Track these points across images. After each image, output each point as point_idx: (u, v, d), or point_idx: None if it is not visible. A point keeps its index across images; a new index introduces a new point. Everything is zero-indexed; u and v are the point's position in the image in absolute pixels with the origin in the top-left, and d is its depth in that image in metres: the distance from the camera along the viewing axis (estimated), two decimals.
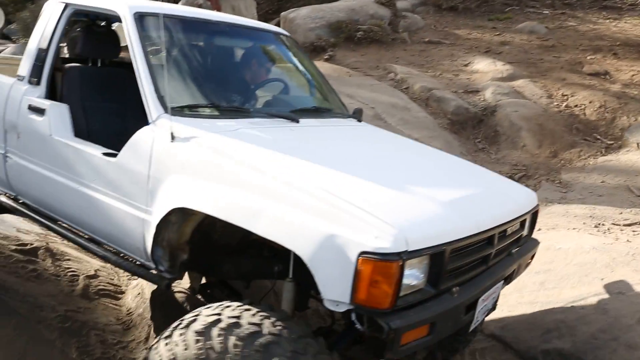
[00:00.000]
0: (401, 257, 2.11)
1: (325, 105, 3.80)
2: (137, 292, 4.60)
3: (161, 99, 2.94)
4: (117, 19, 3.39)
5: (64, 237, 3.47)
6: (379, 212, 2.24)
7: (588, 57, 8.32)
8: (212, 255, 3.04)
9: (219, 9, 6.90)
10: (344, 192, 2.37)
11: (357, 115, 3.85)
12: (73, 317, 4.20)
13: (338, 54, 8.79)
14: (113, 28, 4.31)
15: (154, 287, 4.39)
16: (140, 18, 3.19)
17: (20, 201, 3.70)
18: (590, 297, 3.35)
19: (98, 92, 3.65)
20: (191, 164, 2.72)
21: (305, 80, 4.00)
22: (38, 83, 3.50)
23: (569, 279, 3.79)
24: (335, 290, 2.21)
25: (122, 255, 3.16)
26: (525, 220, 2.91)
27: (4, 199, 3.78)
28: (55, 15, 3.52)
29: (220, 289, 3.42)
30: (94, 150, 3.12)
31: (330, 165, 2.76)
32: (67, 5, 3.51)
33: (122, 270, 4.96)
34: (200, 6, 10.57)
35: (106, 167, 3.03)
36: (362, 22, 9.31)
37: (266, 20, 10.11)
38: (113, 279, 4.88)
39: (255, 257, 3.02)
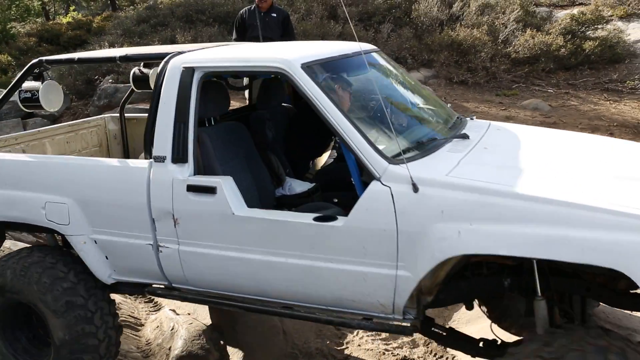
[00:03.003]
0: None
1: (452, 115, 3.73)
2: (156, 325, 5.00)
3: (378, 151, 2.83)
4: (270, 74, 3.44)
5: (268, 313, 3.33)
6: None
7: None
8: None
9: None
10: (628, 200, 2.49)
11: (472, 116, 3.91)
12: None
13: None
14: (149, 73, 4.61)
15: (172, 321, 4.80)
16: (310, 69, 3.04)
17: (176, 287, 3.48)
18: None
19: (224, 151, 3.51)
20: (455, 210, 2.62)
21: (418, 94, 3.88)
22: (185, 160, 3.19)
23: None
24: None
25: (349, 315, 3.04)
26: None
27: (160, 291, 3.57)
28: (185, 82, 3.21)
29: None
30: (304, 218, 2.96)
31: (580, 175, 2.88)
32: (194, 69, 3.22)
33: (140, 305, 5.38)
34: None
35: (329, 233, 2.89)
36: None
37: None
38: (133, 312, 5.29)
39: (476, 277, 3.02)
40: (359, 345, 4.59)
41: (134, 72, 4.79)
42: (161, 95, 3.27)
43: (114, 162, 3.58)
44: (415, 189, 2.68)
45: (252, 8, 7.44)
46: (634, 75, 11.05)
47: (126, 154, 5.25)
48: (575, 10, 13.03)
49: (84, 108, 10.84)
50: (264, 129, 4.02)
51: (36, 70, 3.92)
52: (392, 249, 2.77)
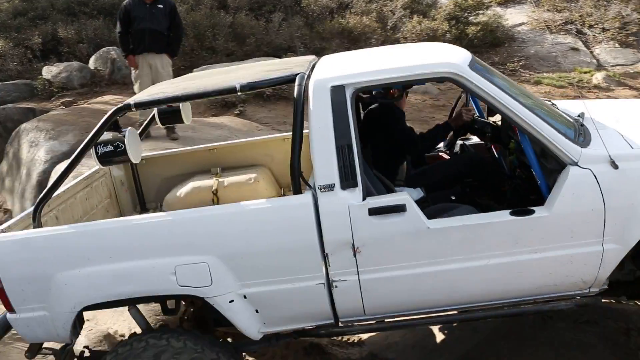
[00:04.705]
0: None
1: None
2: None
3: (570, 138, 3.04)
4: (435, 80, 3.22)
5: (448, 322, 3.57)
6: None
7: None
8: None
9: (136, 67, 7.24)
10: None
11: None
12: None
13: (248, 109, 9.28)
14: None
15: None
16: (474, 69, 3.11)
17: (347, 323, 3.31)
18: None
19: None
20: None
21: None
22: (355, 184, 3.03)
23: None
24: None
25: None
26: None
27: (324, 331, 3.37)
28: (339, 102, 3.03)
29: None
30: (504, 217, 3.02)
31: None
32: (344, 87, 3.06)
33: None
34: (113, 61, 10.86)
35: (534, 225, 3.00)
36: None
37: (179, 77, 10.48)
38: None
39: None
40: None
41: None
42: (311, 119, 3.06)
43: (263, 204, 3.14)
44: (615, 165, 2.93)
45: None
46: (513, 57, 11.67)
47: (140, 200, 4.64)
48: None
49: None
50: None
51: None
52: (599, 226, 2.98)
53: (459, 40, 11.85)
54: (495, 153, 4.21)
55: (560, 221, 2.99)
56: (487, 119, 4.19)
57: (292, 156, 3.06)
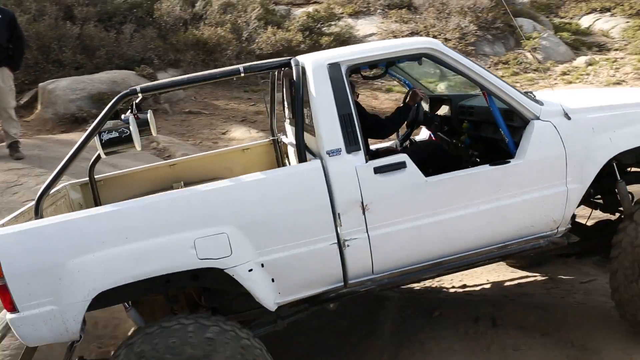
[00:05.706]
0: None
1: None
2: None
3: (531, 98, 3.64)
4: (415, 57, 3.62)
5: (454, 269, 3.66)
6: None
7: None
8: None
9: None
10: None
11: None
12: None
13: None
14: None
15: None
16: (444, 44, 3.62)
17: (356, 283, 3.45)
18: None
19: None
20: (601, 124, 3.59)
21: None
22: (358, 148, 3.38)
23: None
24: None
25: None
26: None
27: (333, 294, 3.45)
28: (336, 77, 3.41)
29: None
30: (487, 167, 3.51)
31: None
32: (339, 64, 3.44)
33: None
34: None
35: (513, 171, 3.51)
36: None
37: (22, 92, 9.85)
38: None
39: None
40: None
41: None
42: (312, 94, 3.40)
43: (277, 171, 3.53)
44: (569, 117, 3.57)
45: None
46: None
47: None
48: (311, 8, 13.94)
49: None
50: None
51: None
52: (562, 169, 3.55)
53: (314, 50, 12.16)
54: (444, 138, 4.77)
55: (532, 167, 3.53)
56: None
57: (296, 130, 3.40)
